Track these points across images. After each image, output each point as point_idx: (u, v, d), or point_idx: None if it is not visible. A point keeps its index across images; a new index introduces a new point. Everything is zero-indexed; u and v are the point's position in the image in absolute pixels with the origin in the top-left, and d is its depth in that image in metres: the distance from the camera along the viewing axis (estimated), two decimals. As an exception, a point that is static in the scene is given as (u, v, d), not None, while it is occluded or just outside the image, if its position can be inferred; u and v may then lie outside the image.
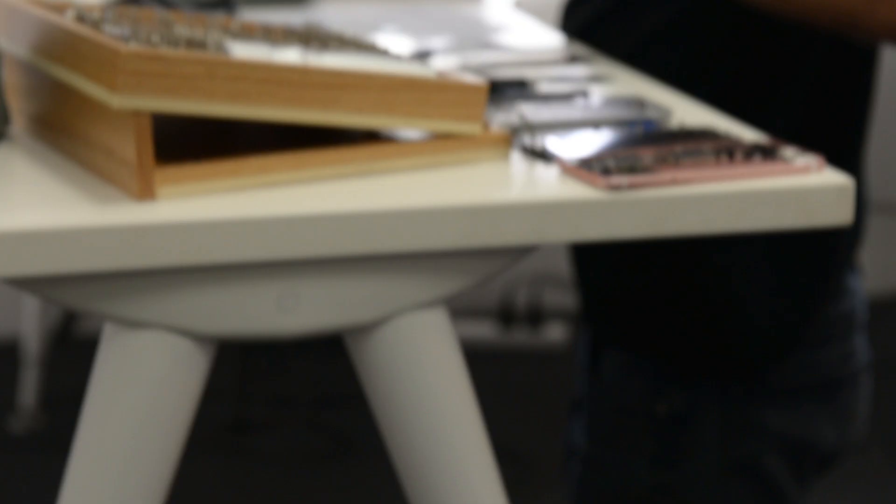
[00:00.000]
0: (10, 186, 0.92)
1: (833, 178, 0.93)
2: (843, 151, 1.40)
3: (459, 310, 0.94)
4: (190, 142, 0.94)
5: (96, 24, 0.94)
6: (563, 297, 3.15)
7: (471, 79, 0.98)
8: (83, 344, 2.69)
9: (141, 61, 0.84)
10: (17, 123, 1.01)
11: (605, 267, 1.44)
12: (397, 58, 1.02)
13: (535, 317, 3.18)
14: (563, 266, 2.64)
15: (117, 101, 0.84)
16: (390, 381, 0.93)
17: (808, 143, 1.35)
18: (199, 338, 0.89)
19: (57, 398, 2.77)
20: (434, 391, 0.93)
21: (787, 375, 1.37)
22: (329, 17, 1.54)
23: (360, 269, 0.89)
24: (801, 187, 0.92)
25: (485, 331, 3.11)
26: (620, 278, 1.43)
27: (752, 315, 1.36)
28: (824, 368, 1.38)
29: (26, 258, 0.82)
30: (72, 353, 2.67)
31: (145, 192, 0.86)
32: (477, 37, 1.44)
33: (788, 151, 0.96)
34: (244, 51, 0.91)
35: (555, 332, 3.17)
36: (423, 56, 1.26)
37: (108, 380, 0.89)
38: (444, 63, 1.25)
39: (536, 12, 1.74)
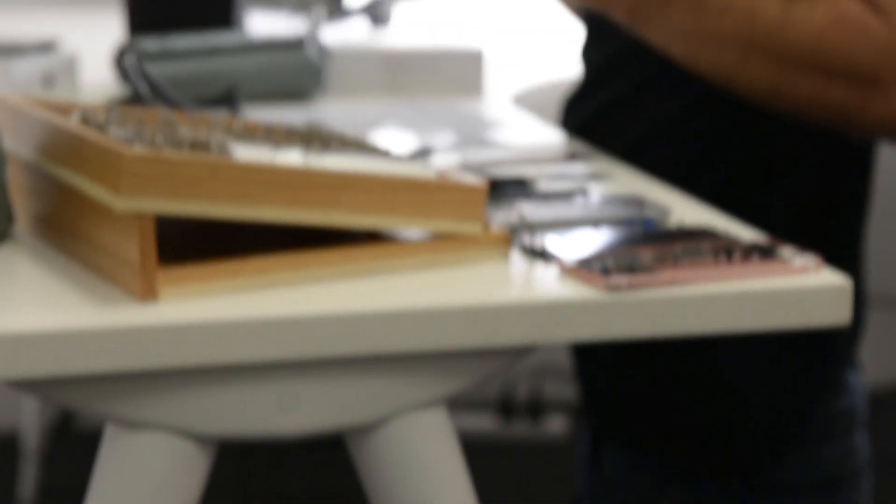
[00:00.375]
0: (12, 286, 0.92)
1: (831, 279, 0.94)
2: (842, 245, 1.41)
3: (459, 402, 0.94)
4: (191, 239, 0.95)
5: (101, 127, 0.95)
6: (564, 389, 3.15)
7: (471, 179, 0.99)
8: (83, 438, 2.68)
9: (145, 164, 0.85)
10: (21, 223, 1.02)
11: (604, 363, 1.45)
12: (398, 158, 1.03)
13: (536, 409, 3.17)
14: (563, 358, 2.64)
15: (121, 203, 0.85)
16: (390, 480, 0.93)
17: (806, 236, 1.36)
18: (199, 438, 0.89)
19: (56, 493, 2.75)
20: (434, 491, 0.93)
21: (789, 472, 1.37)
22: (331, 114, 1.55)
23: (360, 370, 0.89)
24: (799, 288, 0.93)
25: (485, 423, 3.10)
26: (620, 374, 1.43)
27: (753, 411, 1.36)
28: (825, 465, 1.38)
29: (26, 360, 0.82)
30: (71, 447, 2.66)
31: (147, 294, 0.86)
32: (477, 133, 1.45)
33: (786, 251, 0.97)
34: (247, 152, 0.92)
35: (556, 425, 3.16)
36: (423, 153, 1.28)
37: (108, 480, 0.89)
38: (444, 161, 1.26)
39: (535, 108, 1.75)
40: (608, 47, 1.43)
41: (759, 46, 1.22)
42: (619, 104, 1.42)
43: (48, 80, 1.52)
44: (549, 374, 3.18)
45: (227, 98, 1.45)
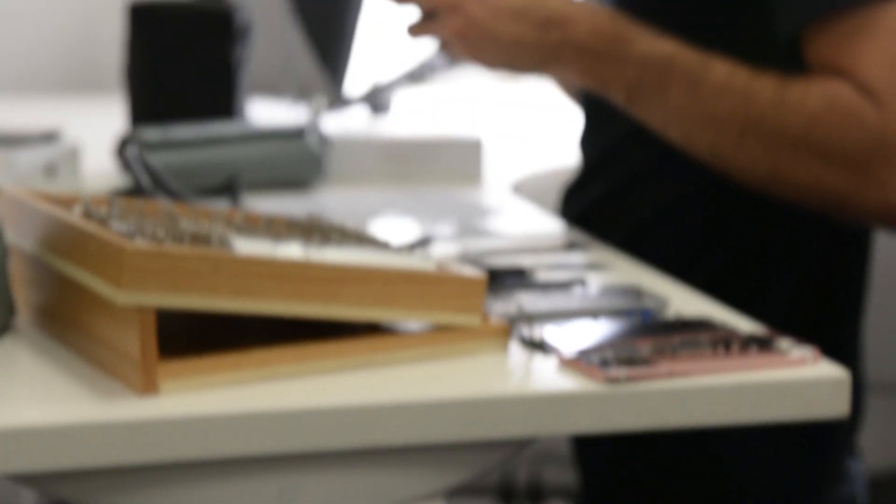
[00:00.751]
0: (12, 380, 0.92)
1: (829, 371, 0.94)
2: (840, 330, 1.42)
3: (459, 487, 0.95)
4: (191, 329, 0.95)
5: (103, 220, 0.96)
6: (565, 475, 3.13)
7: (470, 271, 0.99)
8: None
9: (146, 258, 0.86)
10: (22, 315, 1.03)
11: (603, 450, 1.45)
12: (398, 250, 1.03)
13: (536, 495, 3.16)
14: (563, 444, 2.63)
15: (122, 297, 0.85)
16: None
17: (805, 321, 1.37)
18: (199, 532, 0.89)
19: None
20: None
21: (790, 561, 1.37)
22: (331, 202, 1.56)
23: (360, 463, 0.89)
24: (797, 380, 0.93)
25: (485, 509, 3.08)
26: (619, 461, 1.43)
27: (752, 500, 1.36)
28: (827, 554, 1.38)
29: (26, 454, 0.82)
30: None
31: (148, 387, 0.87)
32: (476, 221, 1.46)
33: (784, 343, 0.97)
34: (247, 246, 0.93)
35: (556, 511, 3.14)
36: (423, 243, 1.28)
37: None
38: (443, 250, 1.27)
39: (534, 195, 1.77)
40: (606, 136, 1.45)
41: (754, 129, 1.24)
42: (617, 192, 1.43)
43: (51, 169, 1.53)
44: (549, 460, 3.17)
45: (229, 187, 1.46)
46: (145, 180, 1.34)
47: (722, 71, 1.25)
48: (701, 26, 1.31)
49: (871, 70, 1.21)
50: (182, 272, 0.87)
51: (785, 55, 1.27)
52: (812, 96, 1.22)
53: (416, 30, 1.34)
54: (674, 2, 1.34)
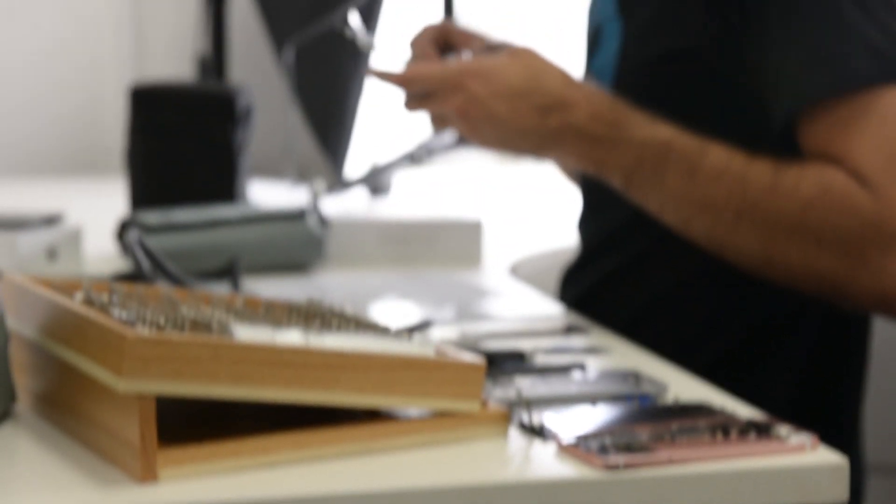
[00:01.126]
0: (12, 467, 0.93)
1: (827, 458, 0.94)
2: (840, 413, 1.42)
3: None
4: (191, 414, 0.96)
5: (104, 306, 0.97)
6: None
7: (469, 357, 1.00)
8: None
9: (147, 346, 0.86)
10: (22, 401, 1.03)
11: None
12: (397, 335, 1.04)
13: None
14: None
15: (123, 385, 0.86)
16: None
17: (805, 404, 1.37)
18: None
19: None
20: None
21: None
22: (331, 285, 1.57)
23: (359, 550, 0.89)
24: (796, 467, 0.93)
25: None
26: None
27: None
28: None
29: (27, 542, 0.82)
30: None
31: (147, 475, 0.87)
32: (475, 304, 1.46)
33: (783, 429, 0.98)
34: (247, 332, 0.93)
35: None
36: (422, 327, 1.29)
37: None
38: (443, 334, 1.27)
39: (533, 277, 1.77)
40: (606, 219, 1.46)
41: (749, 214, 1.25)
42: (617, 276, 1.44)
43: (52, 252, 1.54)
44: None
45: (229, 271, 1.46)
46: (146, 265, 1.35)
47: (718, 156, 1.26)
48: (698, 111, 1.33)
49: (864, 157, 1.22)
50: (182, 359, 0.87)
51: (780, 140, 1.28)
52: (806, 182, 1.23)
53: (416, 105, 1.34)
54: (671, 86, 1.36)
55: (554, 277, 1.58)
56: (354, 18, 1.43)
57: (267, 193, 2.13)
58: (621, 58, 1.40)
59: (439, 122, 1.35)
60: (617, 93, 1.33)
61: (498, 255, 1.84)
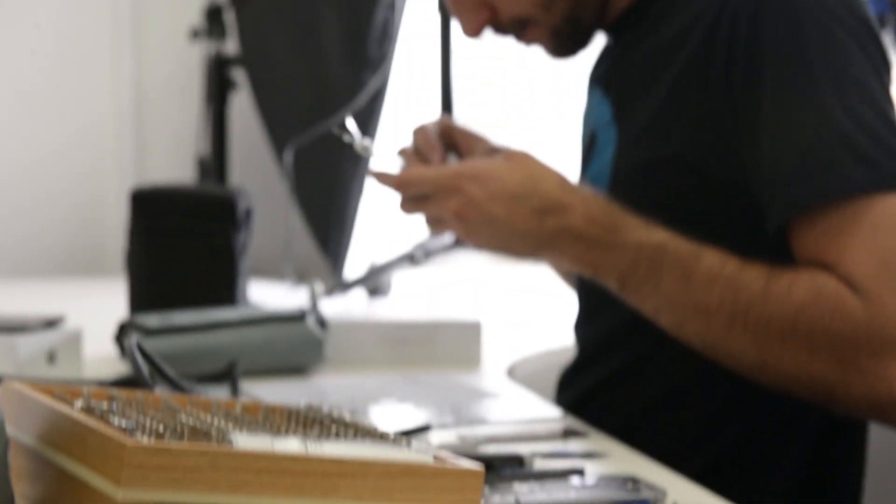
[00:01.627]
0: (12, 575, 0.92)
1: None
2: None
3: None
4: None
5: (104, 414, 0.97)
6: None
7: (467, 464, 1.00)
8: None
9: (146, 455, 0.87)
10: (21, 508, 1.03)
11: None
12: (396, 440, 1.04)
13: None
14: None
15: (122, 494, 0.86)
16: None
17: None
18: None
19: None
20: None
21: None
22: (330, 387, 1.57)
23: None
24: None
25: None
26: None
27: None
28: None
29: None
30: None
31: (145, 584, 0.87)
32: (474, 407, 1.47)
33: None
34: (246, 440, 0.94)
35: None
36: (421, 430, 1.29)
37: None
38: (441, 438, 1.27)
39: (531, 378, 1.78)
40: (602, 323, 1.46)
41: (742, 318, 1.26)
42: (614, 380, 1.44)
43: (52, 356, 1.55)
44: None
45: (228, 374, 1.47)
46: (145, 370, 1.35)
47: (712, 261, 1.28)
48: (692, 215, 1.34)
49: (856, 263, 1.23)
50: (181, 468, 0.88)
51: (773, 245, 1.30)
52: (799, 288, 1.25)
53: (413, 208, 1.36)
54: (666, 191, 1.37)
55: (551, 378, 1.58)
56: (351, 124, 1.45)
57: (266, 294, 2.14)
58: (616, 163, 1.42)
59: (436, 225, 1.37)
60: (612, 197, 1.35)
61: (496, 355, 1.84)
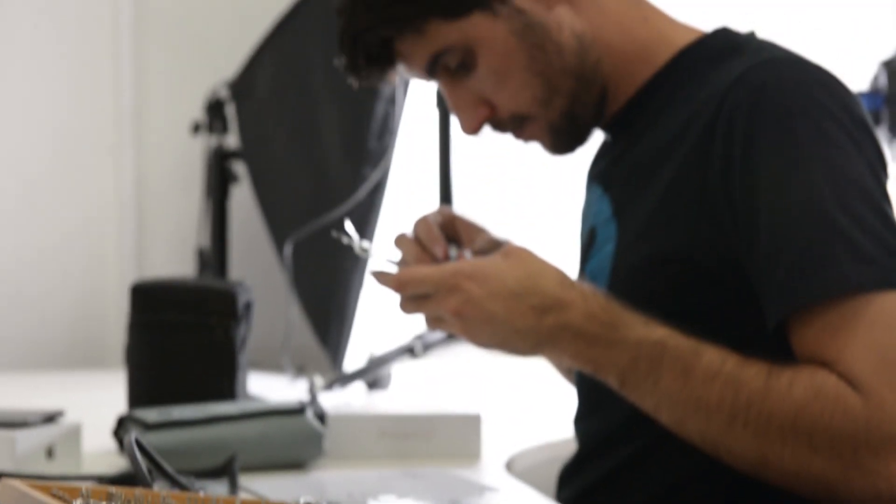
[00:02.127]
0: None
1: None
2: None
3: None
4: None
5: (102, 514, 0.97)
6: None
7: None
8: None
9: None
10: None
11: None
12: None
13: None
14: None
15: None
16: None
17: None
18: None
19: None
20: None
21: None
22: (328, 482, 1.57)
23: None
24: None
25: None
26: None
27: None
28: None
29: None
30: None
31: None
32: (473, 502, 1.46)
33: None
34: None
35: None
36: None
37: None
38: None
39: (528, 472, 1.77)
40: (602, 419, 1.46)
41: (743, 416, 1.26)
42: (614, 476, 1.44)
43: (51, 451, 1.55)
44: None
45: (227, 469, 1.46)
46: (143, 467, 1.35)
47: (712, 358, 1.28)
48: (692, 312, 1.35)
49: (855, 361, 1.24)
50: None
51: (774, 340, 1.30)
52: (799, 385, 1.25)
53: (412, 307, 1.36)
54: (665, 287, 1.38)
55: (551, 471, 1.58)
56: (350, 226, 1.46)
57: (266, 387, 2.13)
58: (616, 259, 1.43)
59: (435, 323, 1.37)
60: (612, 294, 1.35)
61: (496, 447, 1.83)
